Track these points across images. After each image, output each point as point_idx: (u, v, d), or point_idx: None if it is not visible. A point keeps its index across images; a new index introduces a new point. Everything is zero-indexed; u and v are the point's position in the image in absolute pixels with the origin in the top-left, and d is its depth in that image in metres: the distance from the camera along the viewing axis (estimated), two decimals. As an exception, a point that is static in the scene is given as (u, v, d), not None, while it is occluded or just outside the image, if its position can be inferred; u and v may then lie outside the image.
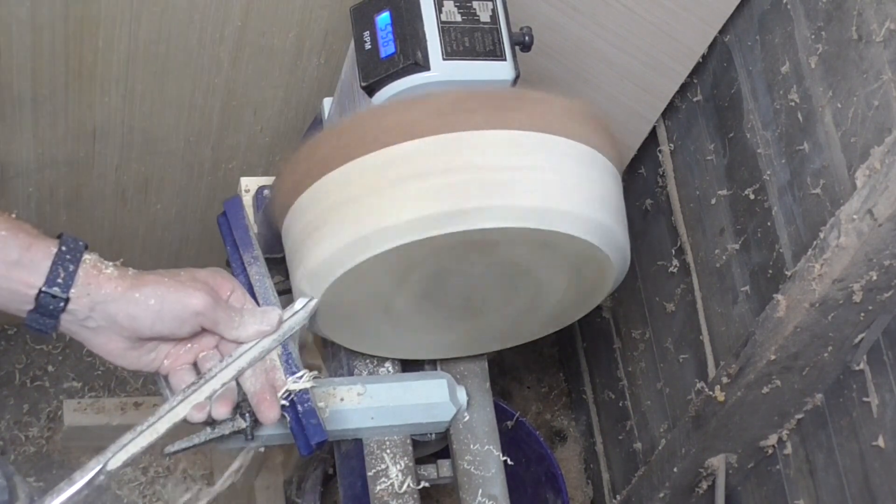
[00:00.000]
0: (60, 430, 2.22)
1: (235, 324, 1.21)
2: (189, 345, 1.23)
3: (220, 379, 1.21)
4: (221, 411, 1.20)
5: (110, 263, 1.17)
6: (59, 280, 1.12)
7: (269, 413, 1.22)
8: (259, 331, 1.22)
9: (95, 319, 1.15)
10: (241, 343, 1.23)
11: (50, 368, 2.30)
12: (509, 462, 1.52)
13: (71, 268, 1.13)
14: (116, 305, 1.14)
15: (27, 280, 1.12)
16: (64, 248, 1.14)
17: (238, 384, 1.23)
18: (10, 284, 1.12)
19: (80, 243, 1.15)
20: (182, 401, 1.20)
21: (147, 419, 1.20)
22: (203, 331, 1.22)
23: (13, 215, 1.14)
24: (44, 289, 1.12)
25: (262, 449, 1.49)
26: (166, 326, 1.17)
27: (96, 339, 1.17)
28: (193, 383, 1.21)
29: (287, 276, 1.38)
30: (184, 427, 1.24)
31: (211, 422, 1.25)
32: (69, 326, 1.16)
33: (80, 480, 1.16)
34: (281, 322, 1.25)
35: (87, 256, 1.15)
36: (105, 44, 1.72)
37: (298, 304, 1.29)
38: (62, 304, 1.13)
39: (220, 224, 1.38)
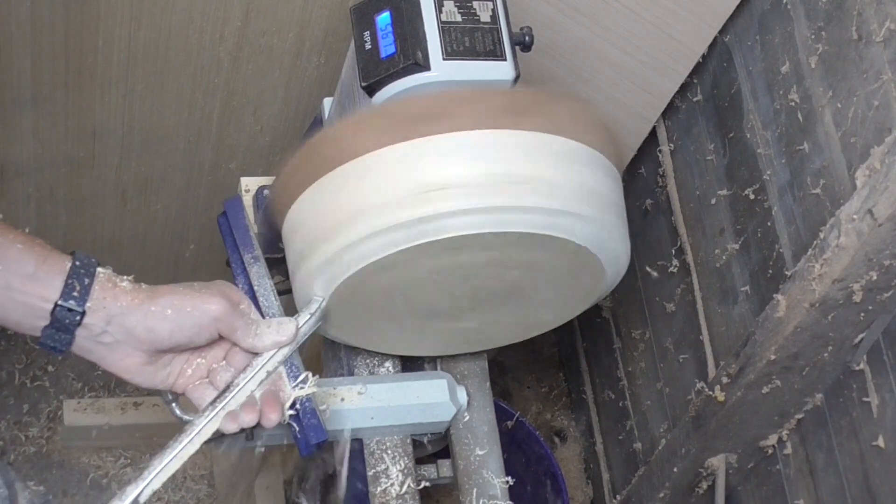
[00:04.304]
0: (60, 430, 2.22)
1: (252, 332, 1.22)
2: (199, 359, 1.23)
3: (245, 391, 1.22)
4: (248, 419, 1.21)
5: (125, 277, 1.17)
6: (75, 293, 1.12)
7: (273, 415, 1.22)
8: (276, 341, 1.23)
9: (112, 334, 1.15)
10: (258, 352, 1.23)
11: (50, 368, 2.30)
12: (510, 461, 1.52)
13: (86, 281, 1.13)
14: (134, 318, 1.14)
15: (42, 294, 1.11)
16: (78, 263, 1.13)
17: None
18: (26, 298, 1.11)
19: (93, 259, 1.15)
20: (210, 419, 1.21)
21: (176, 441, 1.21)
22: (218, 339, 1.22)
23: (27, 230, 1.14)
24: (60, 302, 1.11)
25: (262, 449, 1.49)
26: (185, 335, 1.17)
27: (112, 356, 1.17)
28: (218, 398, 1.22)
29: (287, 276, 1.38)
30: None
31: None
32: (83, 343, 1.15)
33: None
34: (298, 331, 1.25)
35: (100, 270, 1.15)
36: (105, 44, 1.72)
37: (312, 306, 1.30)
38: (78, 317, 1.12)
39: (220, 224, 1.38)
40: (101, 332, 1.14)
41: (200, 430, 1.21)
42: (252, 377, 1.23)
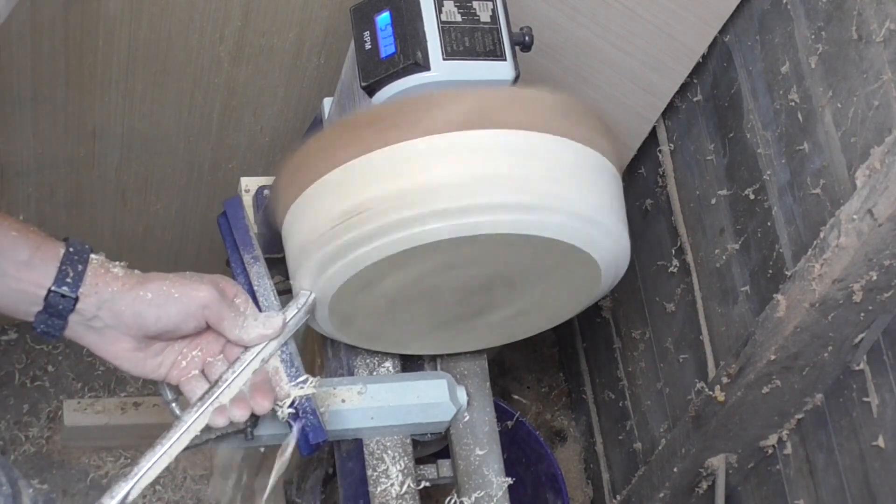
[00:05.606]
0: (60, 430, 2.22)
1: (240, 323, 1.22)
2: (195, 351, 1.23)
3: (234, 386, 1.22)
4: (239, 413, 1.21)
5: (117, 264, 1.18)
6: (69, 279, 1.13)
7: (265, 402, 1.22)
8: (262, 334, 1.23)
9: (102, 318, 1.15)
10: (244, 345, 1.23)
11: (50, 368, 2.30)
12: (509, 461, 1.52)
13: (80, 267, 1.14)
14: (123, 303, 1.15)
15: (37, 280, 1.12)
16: (72, 249, 1.14)
17: None
18: (21, 285, 1.12)
19: (87, 245, 1.16)
20: (198, 415, 1.21)
21: (165, 437, 1.21)
22: (207, 330, 1.22)
23: (20, 218, 1.15)
24: (53, 288, 1.12)
25: (263, 449, 1.49)
26: (171, 320, 1.18)
27: (102, 341, 1.17)
28: (207, 392, 1.22)
29: (287, 276, 1.39)
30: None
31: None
32: (76, 329, 1.16)
33: None
34: (285, 325, 1.25)
35: (94, 257, 1.16)
36: (105, 44, 1.72)
37: (300, 300, 1.30)
38: (72, 303, 1.13)
39: (220, 224, 1.38)
40: (92, 316, 1.15)
41: (190, 426, 1.21)
42: (241, 371, 1.22)
